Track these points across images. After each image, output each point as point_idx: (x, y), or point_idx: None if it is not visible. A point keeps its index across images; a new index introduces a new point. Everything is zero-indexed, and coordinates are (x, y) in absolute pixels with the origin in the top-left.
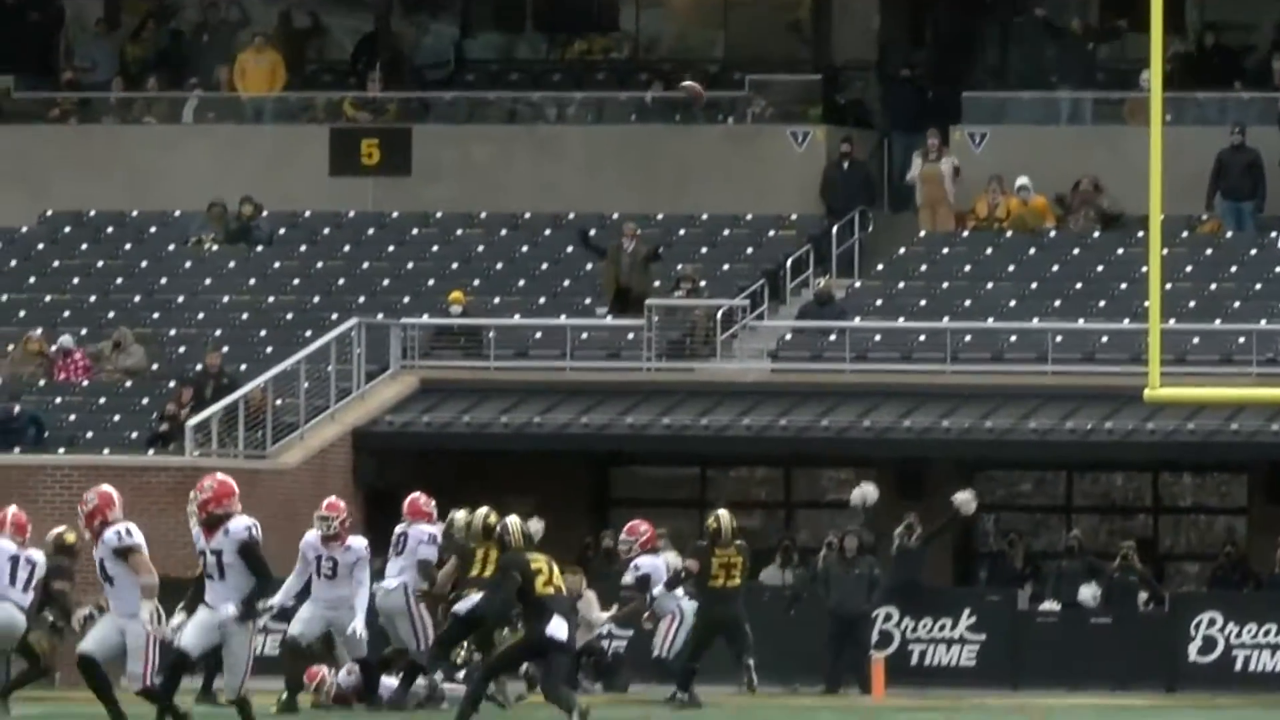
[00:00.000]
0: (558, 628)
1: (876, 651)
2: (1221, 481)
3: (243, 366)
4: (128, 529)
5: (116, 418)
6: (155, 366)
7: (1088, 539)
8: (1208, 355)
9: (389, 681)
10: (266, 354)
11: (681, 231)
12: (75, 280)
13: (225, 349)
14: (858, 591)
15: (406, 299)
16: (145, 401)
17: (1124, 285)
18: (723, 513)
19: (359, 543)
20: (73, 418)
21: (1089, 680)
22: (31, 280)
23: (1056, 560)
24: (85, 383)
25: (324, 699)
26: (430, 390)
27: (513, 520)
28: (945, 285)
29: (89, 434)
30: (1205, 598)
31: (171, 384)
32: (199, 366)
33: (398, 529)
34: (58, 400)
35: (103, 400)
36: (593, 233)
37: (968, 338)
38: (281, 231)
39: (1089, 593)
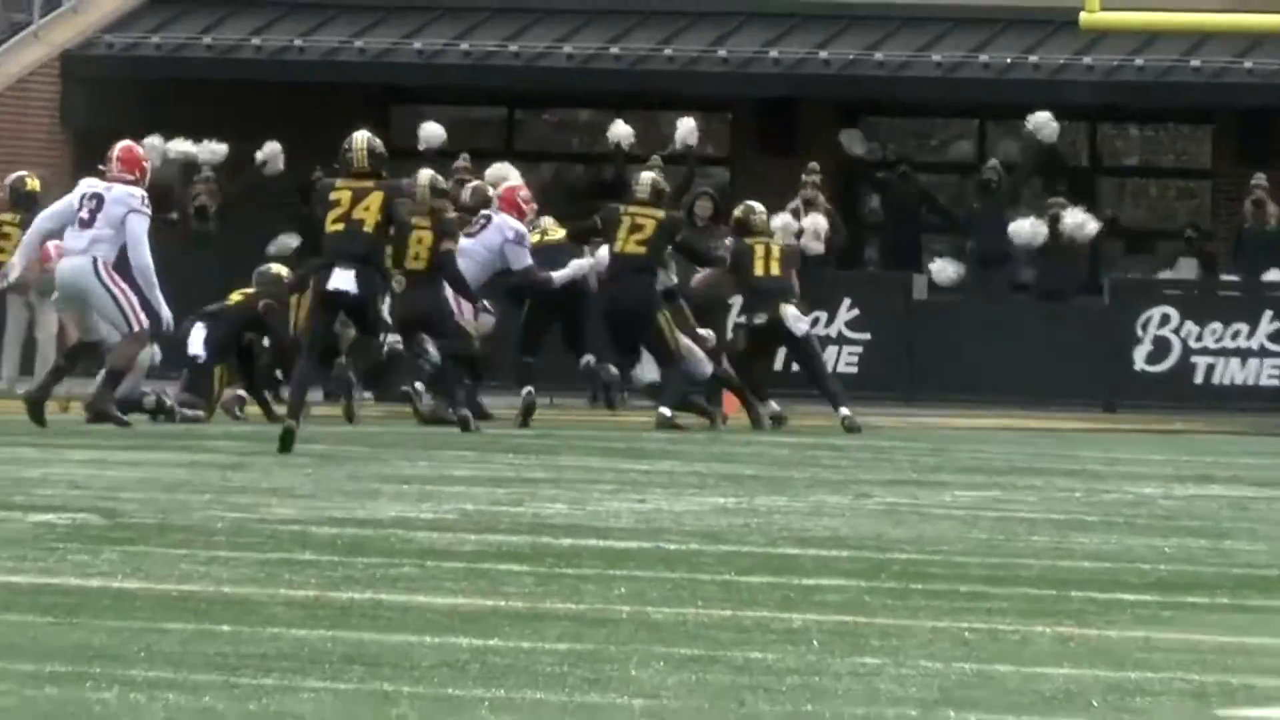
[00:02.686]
0: (337, 278)
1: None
2: (1179, 136)
3: None
4: None
5: None
6: None
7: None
8: None
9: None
10: None
11: None
12: None
13: None
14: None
15: None
16: None
17: None
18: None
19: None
20: None
21: (1005, 394)
22: None
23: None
24: None
25: None
26: (161, 2)
27: (358, 135)
28: None
29: None
30: (1156, 288)
31: None
32: None
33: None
34: None
35: None
36: None
37: None
38: None
39: (1027, 228)
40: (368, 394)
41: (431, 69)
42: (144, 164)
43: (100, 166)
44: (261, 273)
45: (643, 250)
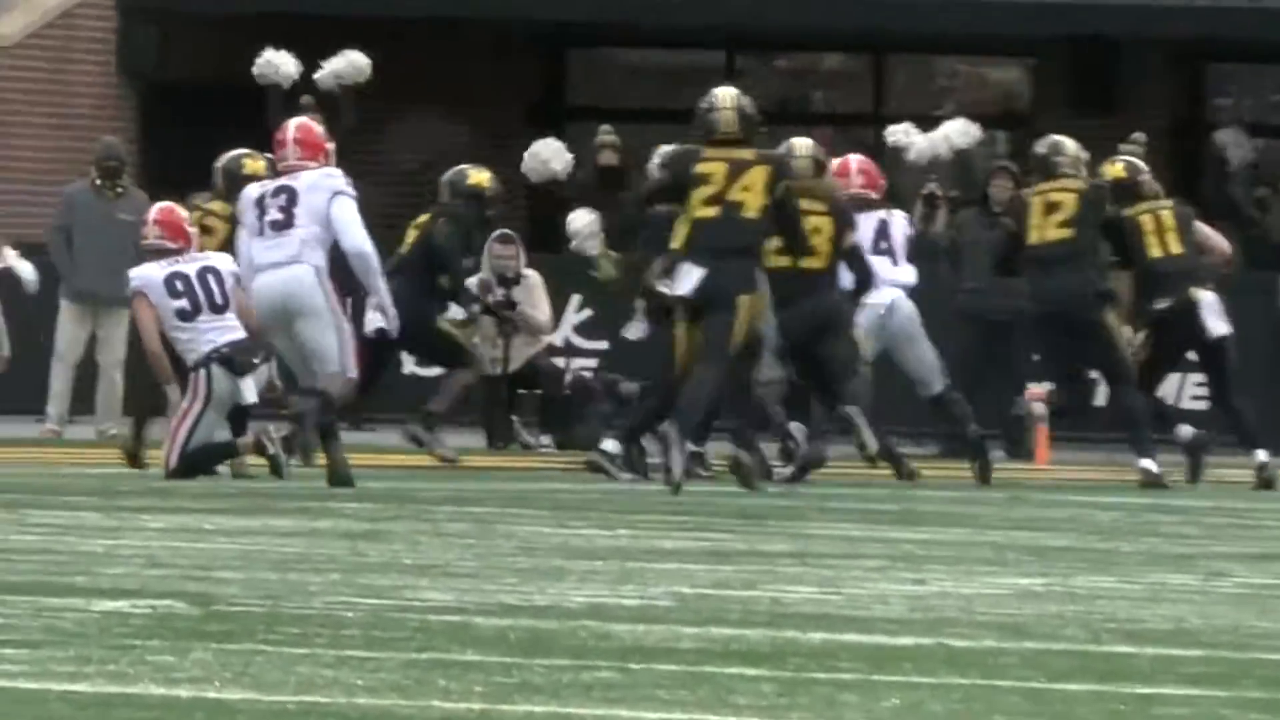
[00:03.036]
0: (686, 280)
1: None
2: None
3: None
4: None
5: None
6: None
7: None
8: None
9: None
10: None
11: None
12: None
13: None
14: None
15: None
16: None
17: None
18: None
19: None
20: None
21: None
22: None
23: None
24: None
25: None
26: None
27: (724, 92)
28: None
29: None
30: None
31: None
32: None
33: None
34: None
35: None
36: None
37: None
38: None
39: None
40: (545, 439)
41: (621, 0)
42: (327, 146)
43: (267, 156)
44: (455, 181)
45: (1068, 233)
